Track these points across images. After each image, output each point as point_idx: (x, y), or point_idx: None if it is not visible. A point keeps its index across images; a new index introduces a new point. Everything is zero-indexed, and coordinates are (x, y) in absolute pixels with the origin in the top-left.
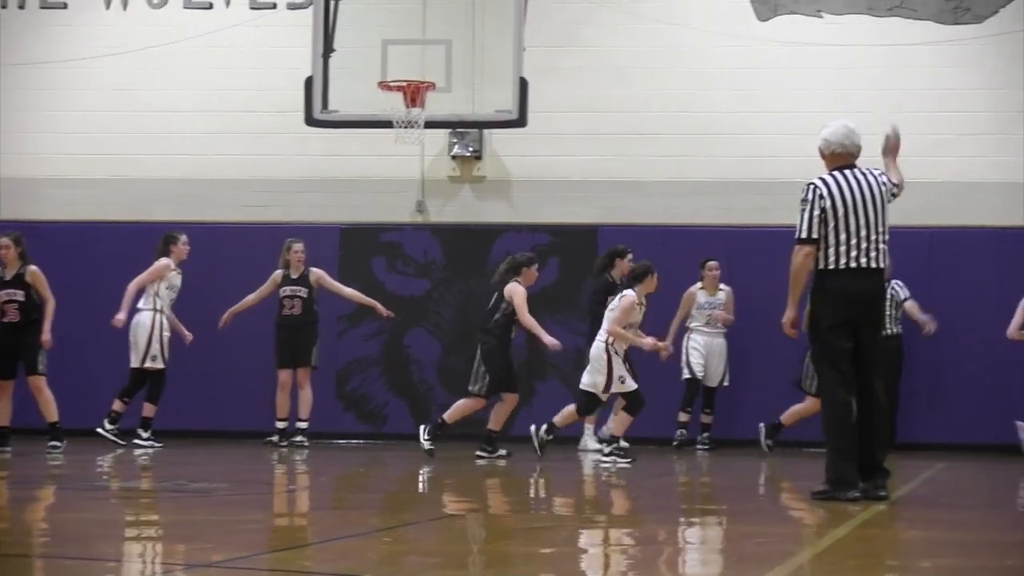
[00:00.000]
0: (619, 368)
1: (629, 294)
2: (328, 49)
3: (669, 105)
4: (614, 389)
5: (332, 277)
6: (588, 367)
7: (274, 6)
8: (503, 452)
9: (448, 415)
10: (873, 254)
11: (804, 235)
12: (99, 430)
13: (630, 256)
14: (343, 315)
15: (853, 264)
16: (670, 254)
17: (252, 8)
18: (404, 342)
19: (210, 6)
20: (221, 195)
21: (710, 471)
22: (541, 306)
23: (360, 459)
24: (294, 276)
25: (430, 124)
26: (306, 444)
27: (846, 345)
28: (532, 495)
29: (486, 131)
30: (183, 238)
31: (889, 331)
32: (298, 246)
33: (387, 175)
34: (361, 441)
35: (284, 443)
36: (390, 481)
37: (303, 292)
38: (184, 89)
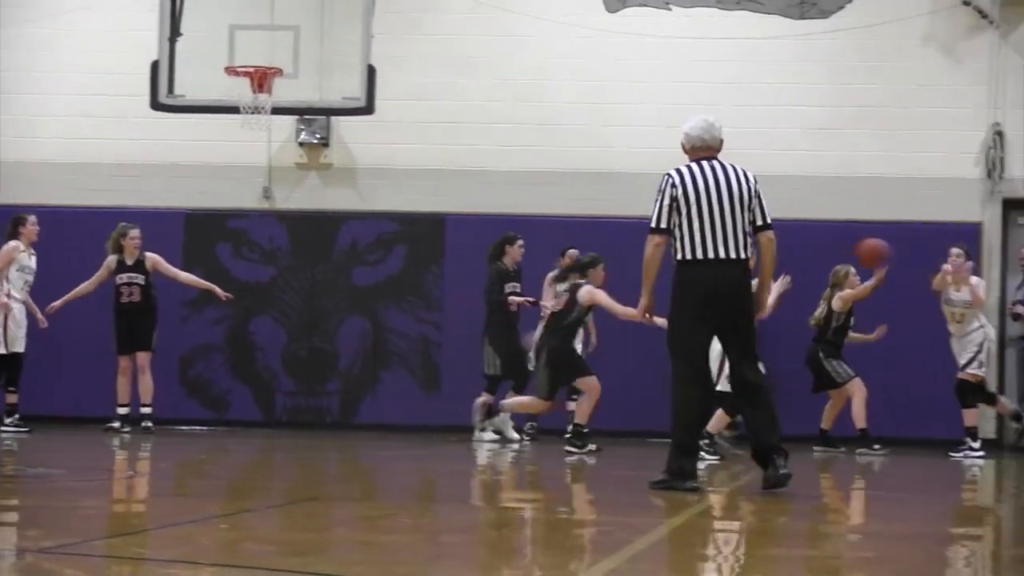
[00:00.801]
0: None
1: None
2: (175, 33)
3: (516, 95)
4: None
5: (176, 263)
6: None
7: None
8: (592, 447)
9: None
10: (732, 243)
11: (654, 224)
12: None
13: (520, 242)
14: (186, 301)
15: (711, 255)
16: None
17: None
18: (249, 328)
19: None
20: (65, 179)
21: (553, 462)
22: (387, 295)
23: (202, 446)
24: (130, 262)
25: (277, 110)
26: (153, 429)
27: (704, 339)
28: (377, 484)
29: (333, 118)
30: (32, 218)
31: None
32: (135, 232)
33: (233, 161)
34: (204, 427)
35: (127, 429)
36: (231, 468)
37: (140, 279)
38: (29, 71)
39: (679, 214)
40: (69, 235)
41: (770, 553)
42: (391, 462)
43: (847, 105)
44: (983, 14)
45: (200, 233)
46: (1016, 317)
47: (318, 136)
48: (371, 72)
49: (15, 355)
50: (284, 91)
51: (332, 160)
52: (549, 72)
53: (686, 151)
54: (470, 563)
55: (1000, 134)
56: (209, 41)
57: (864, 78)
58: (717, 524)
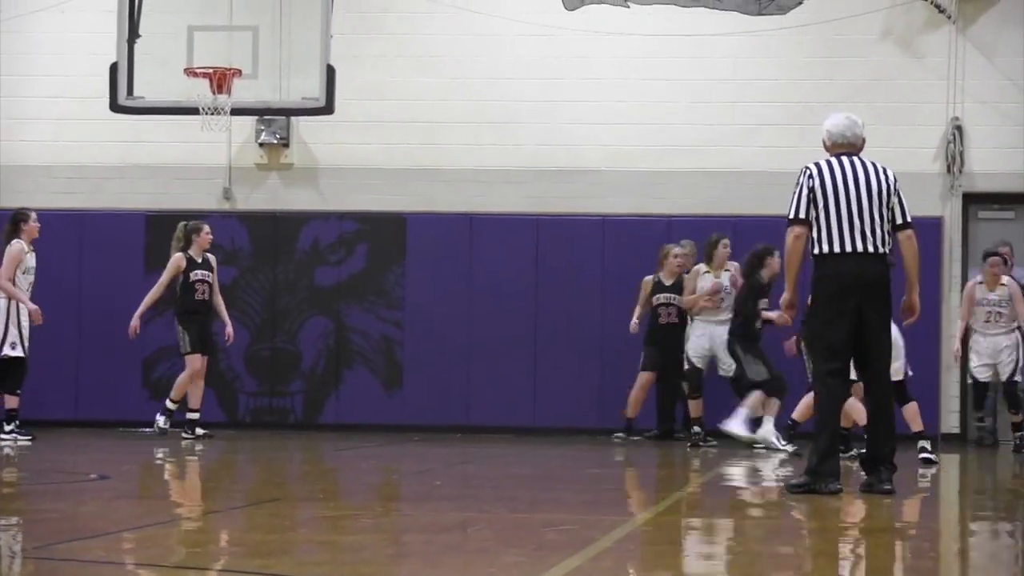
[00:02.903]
0: None
1: None
2: (133, 35)
3: (475, 93)
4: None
5: (138, 265)
6: None
7: None
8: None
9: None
10: (870, 237)
11: (792, 215)
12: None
13: (777, 253)
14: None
15: (848, 248)
16: (476, 242)
17: None
18: (211, 330)
19: None
20: (26, 181)
21: (514, 460)
22: (349, 294)
23: (165, 448)
24: (199, 260)
25: (236, 111)
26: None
27: (843, 333)
28: (340, 484)
29: (293, 118)
30: (33, 215)
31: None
32: (207, 228)
33: (194, 162)
34: (168, 429)
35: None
36: (195, 469)
37: (210, 277)
38: None
39: (815, 207)
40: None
41: (732, 547)
42: (354, 462)
43: (805, 101)
44: (940, 9)
45: (161, 235)
46: None
47: (278, 136)
48: (330, 72)
49: (12, 359)
50: (243, 92)
51: (292, 160)
52: (509, 70)
53: (827, 147)
54: (433, 563)
55: (959, 128)
56: (168, 42)
57: (822, 74)
58: (678, 521)
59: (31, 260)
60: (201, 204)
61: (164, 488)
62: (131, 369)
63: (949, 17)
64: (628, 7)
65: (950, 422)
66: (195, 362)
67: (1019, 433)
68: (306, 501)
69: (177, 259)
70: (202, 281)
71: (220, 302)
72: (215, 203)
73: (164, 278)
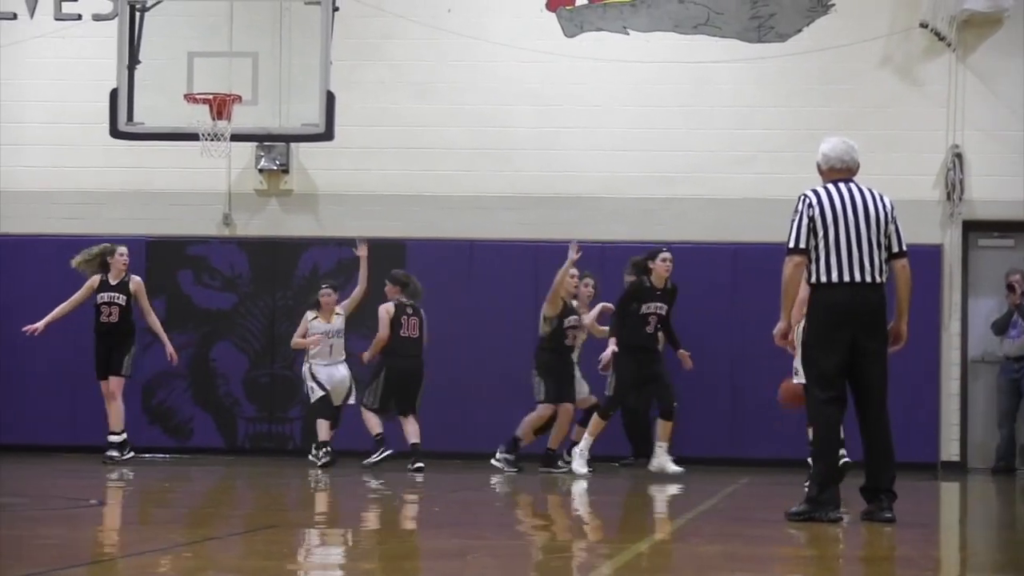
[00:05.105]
0: None
1: None
2: (134, 61)
3: (475, 120)
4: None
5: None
6: None
7: (79, 17)
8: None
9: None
10: (868, 268)
11: (792, 244)
12: None
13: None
14: (149, 327)
15: (847, 278)
16: (476, 268)
17: (57, 19)
18: (211, 355)
19: (14, 17)
20: (26, 207)
21: (515, 486)
22: (348, 320)
23: (165, 473)
24: (114, 282)
25: (236, 137)
26: (116, 459)
27: (838, 361)
28: (340, 510)
29: (293, 144)
30: None
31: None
32: (123, 250)
33: (193, 188)
34: (167, 455)
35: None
36: (194, 495)
37: (121, 300)
38: None
39: (815, 236)
40: (32, 264)
41: None
42: (352, 488)
43: (804, 128)
44: (940, 36)
45: (162, 260)
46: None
47: (278, 162)
48: (330, 98)
49: None
50: (243, 118)
51: (292, 186)
52: (508, 97)
53: (821, 172)
54: None
55: (959, 156)
56: (168, 68)
57: (821, 101)
58: (678, 548)
59: None
60: (201, 230)
61: (164, 514)
62: (131, 394)
63: (949, 45)
64: (627, 34)
65: (951, 450)
66: (102, 387)
67: None
68: (304, 527)
69: (90, 281)
70: (108, 304)
71: (153, 321)
72: (215, 229)
73: (74, 296)
